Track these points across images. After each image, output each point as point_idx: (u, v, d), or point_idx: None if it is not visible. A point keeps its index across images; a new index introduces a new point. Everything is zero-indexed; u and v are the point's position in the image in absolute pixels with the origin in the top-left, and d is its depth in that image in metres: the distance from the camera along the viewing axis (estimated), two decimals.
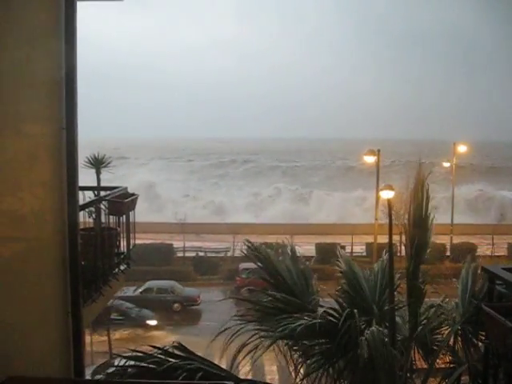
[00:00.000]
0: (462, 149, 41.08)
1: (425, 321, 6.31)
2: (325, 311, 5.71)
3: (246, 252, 6.92)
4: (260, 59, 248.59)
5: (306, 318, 5.52)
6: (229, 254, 37.37)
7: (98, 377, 14.52)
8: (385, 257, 7.17)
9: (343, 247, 36.15)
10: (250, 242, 7.03)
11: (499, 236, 37.94)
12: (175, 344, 5.73)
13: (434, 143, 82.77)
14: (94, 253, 6.17)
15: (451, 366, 6.20)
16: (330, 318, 5.62)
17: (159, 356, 5.53)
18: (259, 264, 6.72)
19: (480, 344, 5.49)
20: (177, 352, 5.62)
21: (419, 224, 6.35)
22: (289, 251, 6.94)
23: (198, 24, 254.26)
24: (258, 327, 5.92)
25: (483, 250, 36.60)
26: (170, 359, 5.45)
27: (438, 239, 33.70)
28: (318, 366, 5.69)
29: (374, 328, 5.50)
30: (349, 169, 79.30)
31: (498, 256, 36.93)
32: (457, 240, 36.78)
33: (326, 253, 32.80)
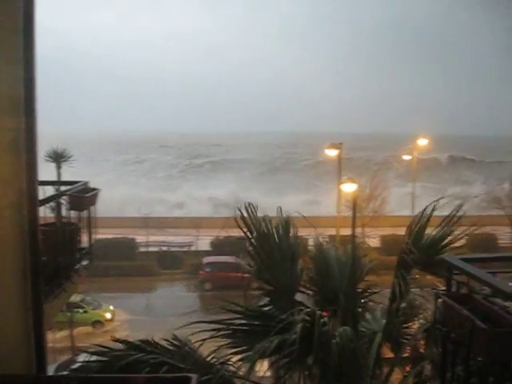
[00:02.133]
0: (422, 142, 41.73)
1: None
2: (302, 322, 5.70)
3: (242, 214, 6.59)
4: (226, 52, 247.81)
5: (279, 334, 5.46)
6: (192, 248, 37.31)
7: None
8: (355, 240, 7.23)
9: (306, 240, 36.46)
10: (252, 206, 6.70)
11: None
12: (141, 338, 5.71)
13: (395, 136, 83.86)
14: (55, 248, 6.09)
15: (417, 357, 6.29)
16: (306, 324, 5.62)
17: (124, 350, 5.50)
18: (249, 233, 6.54)
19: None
20: (142, 345, 5.59)
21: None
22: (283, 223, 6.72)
23: (161, 14, 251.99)
24: (232, 346, 5.80)
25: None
26: (134, 353, 5.41)
27: (400, 231, 34.31)
28: (289, 365, 5.68)
29: (342, 329, 5.54)
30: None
31: (458, 246, 37.64)
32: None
33: None
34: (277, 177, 72.51)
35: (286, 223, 6.62)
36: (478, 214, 46.31)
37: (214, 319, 5.98)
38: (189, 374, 3.75)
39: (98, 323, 27.10)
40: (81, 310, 27.16)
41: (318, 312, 5.58)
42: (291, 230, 6.66)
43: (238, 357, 5.63)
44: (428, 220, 6.49)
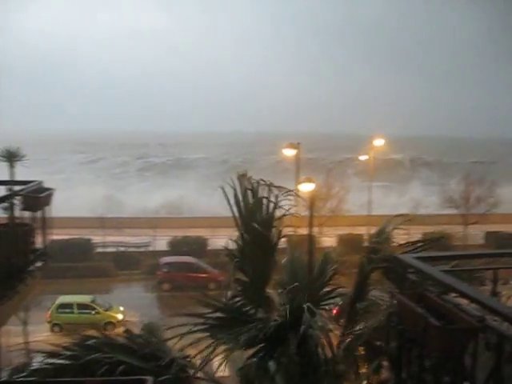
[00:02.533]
0: (378, 142, 42.19)
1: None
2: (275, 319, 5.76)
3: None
4: (188, 52, 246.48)
5: (253, 326, 5.57)
6: (150, 248, 36.98)
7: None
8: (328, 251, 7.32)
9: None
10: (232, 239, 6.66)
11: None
12: (98, 337, 5.63)
13: (357, 137, 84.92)
14: (8, 250, 5.97)
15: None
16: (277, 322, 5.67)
17: (79, 350, 5.41)
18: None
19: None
20: (99, 345, 5.51)
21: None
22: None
23: (120, 12, 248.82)
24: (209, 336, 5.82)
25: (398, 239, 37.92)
26: (90, 353, 5.33)
27: (357, 230, 34.79)
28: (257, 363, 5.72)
29: (312, 321, 5.61)
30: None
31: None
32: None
33: None
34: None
35: (272, 213, 6.57)
36: (433, 213, 47.72)
37: (192, 312, 6.05)
38: (144, 377, 3.72)
39: (109, 325, 26.37)
40: (93, 312, 26.96)
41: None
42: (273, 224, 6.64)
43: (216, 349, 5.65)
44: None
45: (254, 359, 5.68)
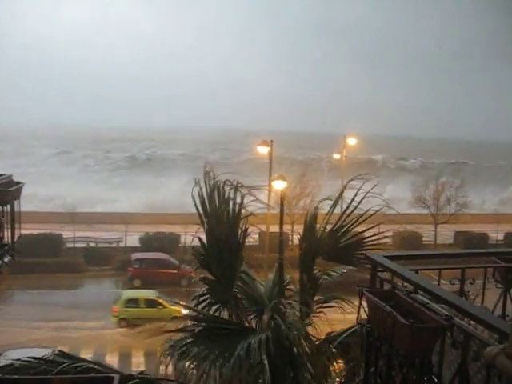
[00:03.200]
0: (351, 142, 42.49)
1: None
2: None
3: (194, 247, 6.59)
4: (160, 46, 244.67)
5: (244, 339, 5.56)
6: (121, 244, 36.73)
7: None
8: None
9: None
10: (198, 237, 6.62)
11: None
12: (56, 352, 5.55)
13: (328, 136, 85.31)
14: None
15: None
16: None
17: (41, 365, 5.31)
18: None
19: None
20: (59, 359, 5.44)
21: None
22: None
23: (87, 3, 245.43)
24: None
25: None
26: (53, 367, 5.25)
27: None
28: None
29: (273, 324, 5.62)
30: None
31: (384, 244, 38.84)
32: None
33: None
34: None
35: (238, 213, 6.57)
36: (405, 212, 48.26)
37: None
38: (111, 374, 3.70)
39: (175, 319, 26.28)
40: (159, 306, 27.23)
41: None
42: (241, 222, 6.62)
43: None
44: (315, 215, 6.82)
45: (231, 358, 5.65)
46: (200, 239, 6.42)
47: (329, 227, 6.66)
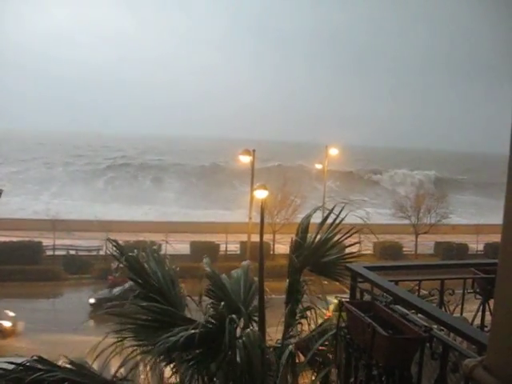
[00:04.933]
0: (333, 152, 42.66)
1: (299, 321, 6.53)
2: (206, 320, 5.66)
3: (113, 252, 6.56)
4: (143, 53, 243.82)
5: (184, 329, 5.38)
6: (101, 252, 36.43)
7: None
8: (245, 263, 7.29)
9: (218, 246, 36.63)
10: (115, 242, 6.68)
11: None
12: (35, 357, 5.46)
13: (313, 146, 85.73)
14: None
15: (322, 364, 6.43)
16: (210, 325, 5.58)
17: (20, 371, 5.23)
18: (127, 264, 6.44)
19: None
20: (38, 365, 5.35)
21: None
22: (153, 251, 6.62)
23: (72, 7, 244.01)
24: (136, 342, 5.71)
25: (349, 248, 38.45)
26: (31, 373, 5.16)
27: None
28: (193, 371, 5.62)
29: (249, 330, 5.58)
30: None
31: (365, 254, 39.14)
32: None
33: (202, 251, 33.01)
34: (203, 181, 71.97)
35: (157, 254, 6.59)
36: (386, 223, 48.55)
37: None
38: None
39: None
40: None
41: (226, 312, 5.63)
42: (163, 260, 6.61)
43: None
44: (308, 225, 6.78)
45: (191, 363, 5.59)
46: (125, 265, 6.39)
47: (316, 239, 6.65)
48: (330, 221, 6.76)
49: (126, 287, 28.97)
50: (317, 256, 6.51)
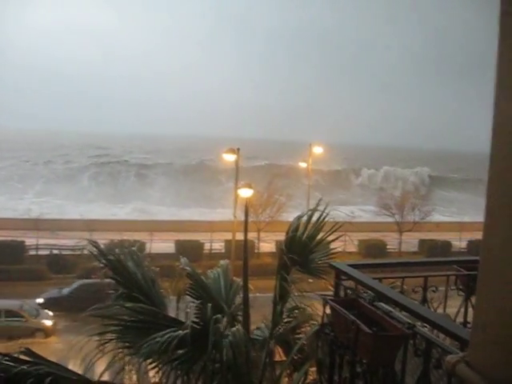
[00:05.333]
0: (317, 150, 42.62)
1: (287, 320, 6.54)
2: (192, 321, 5.65)
3: (93, 253, 6.52)
4: (126, 51, 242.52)
5: (173, 330, 5.37)
6: (85, 251, 36.18)
7: None
8: (223, 262, 7.29)
9: (202, 244, 36.57)
10: (95, 242, 6.65)
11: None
12: (22, 349, 5.43)
13: (294, 144, 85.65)
14: None
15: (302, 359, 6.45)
16: (196, 326, 5.57)
17: (5, 362, 5.21)
18: (107, 264, 6.41)
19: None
20: (24, 357, 5.32)
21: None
22: (132, 252, 6.61)
23: (56, 5, 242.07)
24: (121, 344, 5.68)
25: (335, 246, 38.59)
26: (17, 365, 5.14)
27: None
28: (179, 370, 5.59)
29: (235, 329, 5.57)
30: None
31: (350, 252, 39.34)
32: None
33: (186, 250, 32.95)
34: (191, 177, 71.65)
35: (136, 255, 6.57)
36: (371, 220, 48.80)
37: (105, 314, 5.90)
38: None
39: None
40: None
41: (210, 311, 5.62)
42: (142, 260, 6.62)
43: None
44: (307, 223, 6.74)
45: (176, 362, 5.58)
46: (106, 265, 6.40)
47: (303, 237, 6.65)
48: (314, 219, 6.76)
49: (74, 287, 28.92)
50: (304, 254, 6.51)
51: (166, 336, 5.24)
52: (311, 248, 6.59)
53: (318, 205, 6.87)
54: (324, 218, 6.67)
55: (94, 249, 6.48)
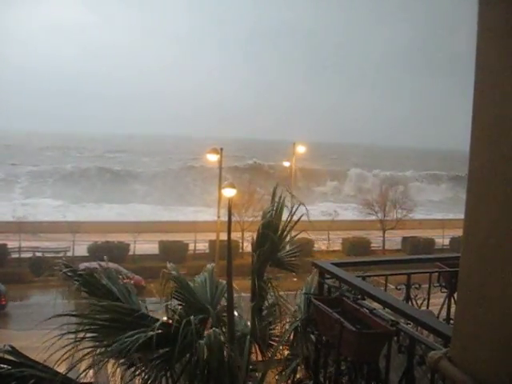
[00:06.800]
0: (300, 149, 42.67)
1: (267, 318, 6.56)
2: (162, 322, 5.63)
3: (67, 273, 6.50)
4: (109, 50, 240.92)
5: (143, 330, 5.33)
6: (69, 253, 35.92)
7: None
8: (209, 266, 7.28)
9: (186, 245, 36.45)
10: (65, 263, 6.77)
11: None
12: (7, 348, 5.35)
13: (277, 143, 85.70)
14: None
15: (289, 358, 6.46)
16: (168, 326, 5.55)
17: None
18: (80, 281, 6.43)
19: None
20: (8, 357, 5.25)
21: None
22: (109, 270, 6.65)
23: (37, 5, 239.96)
24: (94, 343, 5.61)
25: (319, 245, 38.81)
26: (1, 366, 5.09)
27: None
28: (157, 371, 5.56)
29: (211, 331, 5.55)
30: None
31: (334, 251, 39.51)
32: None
33: (170, 251, 32.86)
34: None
35: (112, 273, 6.57)
36: (354, 219, 49.01)
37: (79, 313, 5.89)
38: None
39: None
40: None
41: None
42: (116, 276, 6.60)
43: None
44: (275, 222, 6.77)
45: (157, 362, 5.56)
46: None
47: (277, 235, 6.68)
48: (294, 218, 6.79)
49: None
50: (275, 251, 6.55)
51: (136, 336, 5.21)
52: (282, 245, 6.65)
53: (282, 201, 6.95)
54: (293, 215, 6.71)
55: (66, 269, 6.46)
